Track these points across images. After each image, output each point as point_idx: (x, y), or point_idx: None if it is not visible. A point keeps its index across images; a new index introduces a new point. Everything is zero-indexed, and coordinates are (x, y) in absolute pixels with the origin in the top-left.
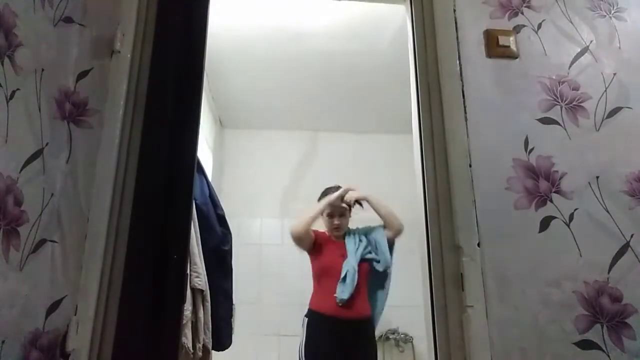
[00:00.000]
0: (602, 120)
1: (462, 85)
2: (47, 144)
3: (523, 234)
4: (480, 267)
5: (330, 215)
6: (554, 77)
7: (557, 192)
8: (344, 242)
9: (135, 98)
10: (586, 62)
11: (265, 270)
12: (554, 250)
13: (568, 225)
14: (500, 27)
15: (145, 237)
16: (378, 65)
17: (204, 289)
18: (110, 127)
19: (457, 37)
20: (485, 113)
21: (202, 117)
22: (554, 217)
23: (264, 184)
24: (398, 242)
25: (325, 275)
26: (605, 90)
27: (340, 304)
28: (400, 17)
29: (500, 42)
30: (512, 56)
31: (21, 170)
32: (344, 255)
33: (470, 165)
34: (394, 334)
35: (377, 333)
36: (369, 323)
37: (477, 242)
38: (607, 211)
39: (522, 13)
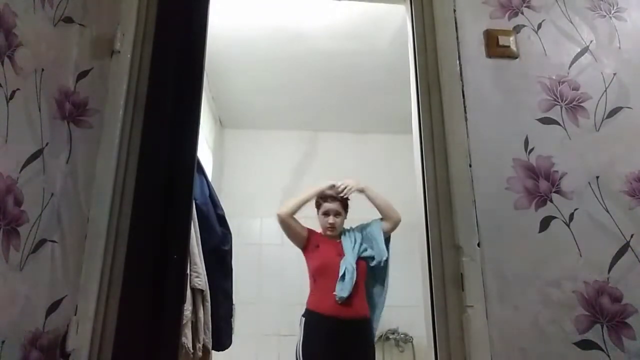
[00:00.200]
0: (602, 120)
1: (462, 85)
2: (47, 144)
3: (523, 234)
4: (480, 267)
5: (326, 214)
6: (554, 77)
7: (557, 192)
8: (341, 242)
9: (135, 98)
10: (586, 62)
11: (265, 270)
12: (554, 250)
13: (568, 225)
14: (500, 27)
15: (145, 237)
16: (378, 65)
17: (204, 289)
18: (110, 127)
19: (457, 37)
20: (485, 113)
21: (202, 117)
22: (554, 217)
23: (264, 184)
24: (398, 242)
25: (322, 275)
26: (605, 90)
27: (339, 302)
28: (400, 17)
29: (500, 42)
30: (512, 56)
31: (21, 170)
32: (340, 254)
33: (470, 165)
34: (394, 334)
35: (377, 333)
36: (367, 323)
37: (477, 242)
38: (607, 211)
39: (522, 13)
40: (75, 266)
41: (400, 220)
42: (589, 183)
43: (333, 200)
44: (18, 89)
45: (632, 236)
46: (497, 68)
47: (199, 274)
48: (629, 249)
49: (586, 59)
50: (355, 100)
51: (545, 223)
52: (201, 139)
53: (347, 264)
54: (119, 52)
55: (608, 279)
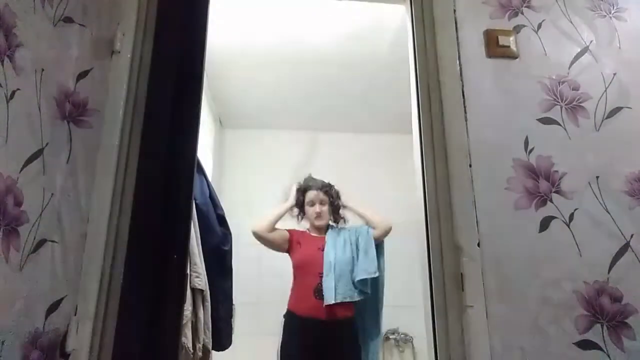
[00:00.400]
0: (602, 120)
1: (462, 85)
2: (47, 144)
3: (523, 234)
4: (480, 267)
5: (311, 204)
6: (554, 77)
7: (557, 192)
8: (325, 237)
9: (135, 98)
10: (586, 62)
11: (265, 270)
12: (554, 250)
13: (568, 225)
14: (500, 27)
15: (145, 237)
16: (378, 65)
17: (204, 289)
18: (110, 127)
19: (457, 37)
20: (485, 113)
21: (202, 117)
22: (554, 217)
23: (264, 184)
24: (398, 242)
25: (301, 272)
26: (605, 90)
27: (325, 304)
28: (400, 17)
29: (500, 42)
30: (512, 56)
31: (21, 170)
32: (322, 248)
33: (470, 165)
34: (394, 334)
35: None
36: (349, 323)
37: (477, 242)
38: (607, 211)
39: (522, 13)
40: (75, 266)
41: (390, 228)
42: (589, 183)
43: (318, 188)
44: (18, 89)
45: (632, 236)
46: (497, 68)
47: (199, 274)
48: (629, 249)
49: (586, 59)
50: (355, 100)
51: (545, 223)
52: (201, 139)
53: (330, 258)
54: (119, 52)
55: (608, 279)
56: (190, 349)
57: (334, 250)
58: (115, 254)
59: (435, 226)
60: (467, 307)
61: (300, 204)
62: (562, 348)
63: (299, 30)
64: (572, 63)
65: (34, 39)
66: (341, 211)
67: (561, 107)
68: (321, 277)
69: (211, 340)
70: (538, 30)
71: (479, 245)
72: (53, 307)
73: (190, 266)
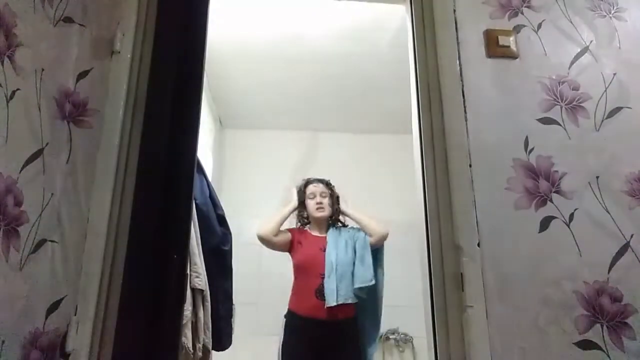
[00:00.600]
0: (602, 120)
1: (462, 85)
2: (47, 144)
3: (523, 234)
4: (480, 267)
5: (312, 196)
6: (554, 77)
7: (557, 192)
8: (326, 236)
9: (135, 98)
10: (586, 62)
11: (265, 270)
12: (554, 250)
13: (568, 225)
14: (500, 27)
15: (145, 237)
16: (378, 65)
17: (204, 289)
18: (110, 127)
19: (457, 37)
20: (485, 113)
21: (202, 117)
22: (554, 217)
23: (264, 184)
24: (398, 242)
25: (302, 273)
26: (605, 90)
27: (326, 306)
28: (400, 17)
29: (500, 42)
30: (512, 56)
31: (21, 170)
32: (323, 249)
33: (470, 165)
34: (394, 334)
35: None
36: (350, 324)
37: (477, 242)
38: (607, 211)
39: (522, 13)
40: (75, 266)
41: (386, 235)
42: (589, 183)
43: (317, 182)
44: (18, 89)
45: (632, 236)
46: (497, 68)
47: (199, 274)
48: (629, 249)
49: (586, 59)
50: (355, 100)
51: (545, 223)
52: (201, 139)
53: (332, 258)
54: (119, 52)
55: (608, 279)
56: (190, 349)
57: (336, 251)
58: (115, 254)
59: (435, 226)
60: (467, 307)
61: (301, 201)
62: (562, 348)
63: (299, 30)
64: (572, 63)
65: (34, 39)
66: (340, 217)
67: (561, 107)
68: (322, 277)
69: (211, 340)
70: (538, 30)
71: (479, 245)
72: (53, 307)
73: (190, 266)
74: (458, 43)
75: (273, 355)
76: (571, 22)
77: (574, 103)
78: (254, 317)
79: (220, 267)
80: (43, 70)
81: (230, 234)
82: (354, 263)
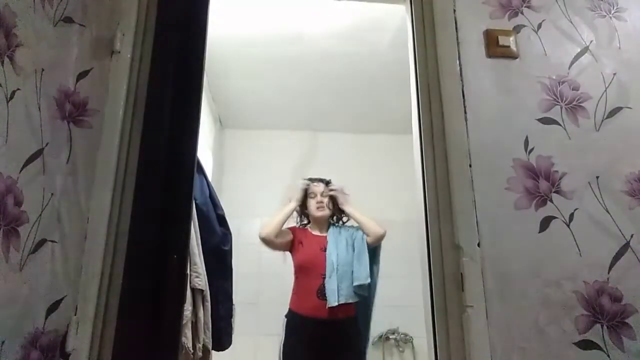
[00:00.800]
0: (602, 120)
1: (462, 85)
2: (47, 144)
3: (523, 234)
4: (480, 267)
5: (313, 195)
6: (554, 77)
7: (557, 192)
8: (326, 236)
9: (135, 98)
10: (586, 62)
11: (265, 270)
12: (554, 250)
13: (568, 225)
14: (500, 27)
15: (145, 237)
16: (378, 65)
17: (204, 289)
18: (110, 127)
19: (457, 37)
20: (485, 113)
21: (202, 117)
22: (554, 217)
23: (264, 184)
24: (398, 242)
25: (303, 273)
26: (605, 90)
27: (328, 307)
28: (400, 17)
29: (500, 42)
30: (512, 56)
31: (21, 170)
32: (324, 249)
33: (470, 165)
34: (394, 334)
35: (377, 333)
36: (351, 322)
37: (477, 242)
38: (607, 211)
39: (522, 13)
40: (75, 266)
41: (383, 235)
42: (589, 183)
43: (318, 182)
44: (18, 89)
45: (632, 236)
46: (497, 68)
47: (199, 274)
48: (629, 249)
49: (586, 59)
50: (355, 100)
51: (545, 223)
52: (201, 139)
53: (333, 258)
54: (119, 52)
55: (608, 279)
56: (190, 349)
57: (336, 251)
58: (115, 254)
59: (435, 226)
60: (467, 307)
61: (302, 201)
62: (562, 348)
63: (299, 30)
64: (572, 63)
65: (34, 39)
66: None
67: (561, 107)
68: (324, 277)
69: (211, 340)
70: (538, 30)
71: (479, 245)
72: (53, 307)
73: (190, 266)
74: (458, 43)
75: (273, 355)
76: (571, 22)
77: (574, 103)
78: (254, 317)
79: (220, 267)
80: (43, 70)
81: (230, 234)
82: (353, 263)
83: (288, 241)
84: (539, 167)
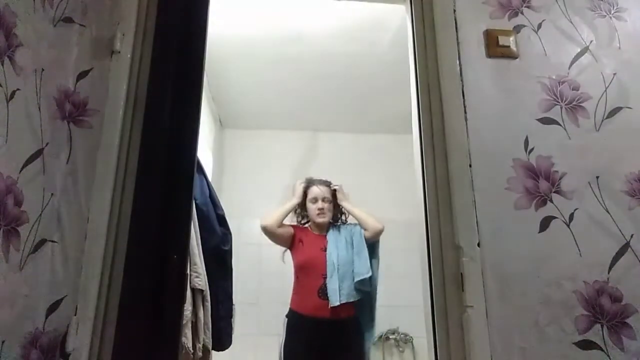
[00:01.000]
0: (602, 120)
1: (462, 85)
2: (47, 144)
3: (523, 234)
4: (480, 267)
5: (314, 200)
6: (554, 77)
7: (557, 192)
8: (326, 236)
9: (135, 98)
10: (586, 62)
11: (265, 270)
12: (554, 251)
13: (568, 225)
14: (500, 27)
15: (145, 237)
16: (378, 65)
17: (204, 289)
18: (110, 127)
19: (457, 37)
20: (485, 113)
21: (202, 117)
22: (554, 217)
23: (264, 184)
24: (398, 242)
25: (304, 272)
26: (605, 90)
27: (330, 306)
28: (400, 17)
29: (500, 42)
30: (512, 56)
31: (21, 170)
32: (324, 249)
33: (470, 165)
34: (394, 334)
35: (377, 333)
36: (352, 322)
37: (477, 242)
38: (607, 211)
39: (522, 13)
40: (75, 266)
41: (381, 230)
42: (589, 183)
43: (321, 185)
44: (18, 89)
45: (632, 236)
46: (497, 68)
47: (199, 274)
48: (629, 249)
49: (586, 59)
50: (355, 100)
51: (545, 223)
52: (201, 139)
53: (333, 258)
54: (119, 52)
55: (608, 279)
56: (190, 349)
57: (337, 251)
58: (115, 254)
59: (435, 226)
60: (467, 307)
61: (303, 202)
62: (562, 348)
63: (299, 30)
64: (572, 63)
65: (34, 39)
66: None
67: (561, 107)
68: (325, 278)
69: (211, 340)
70: (538, 30)
71: (479, 245)
72: (53, 307)
73: (190, 266)
74: (458, 43)
75: (273, 355)
76: (571, 22)
77: (574, 103)
78: (254, 317)
79: (220, 267)
80: (43, 70)
81: (230, 234)
82: (353, 261)
83: (289, 235)
84: (539, 167)
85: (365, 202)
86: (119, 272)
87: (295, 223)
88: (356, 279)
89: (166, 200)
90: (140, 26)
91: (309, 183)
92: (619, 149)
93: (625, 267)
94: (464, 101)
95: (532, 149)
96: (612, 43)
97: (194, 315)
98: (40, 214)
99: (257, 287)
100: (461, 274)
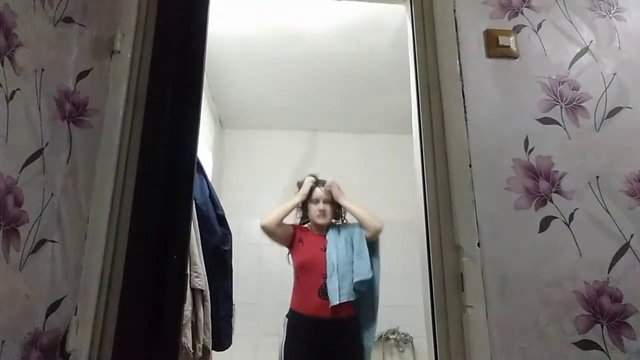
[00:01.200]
0: (602, 120)
1: (462, 85)
2: (47, 144)
3: (523, 234)
4: (480, 267)
5: (316, 201)
6: (554, 77)
7: (557, 192)
8: (326, 236)
9: (135, 98)
10: (586, 62)
11: (265, 270)
12: (554, 250)
13: (568, 225)
14: (500, 27)
15: (145, 237)
16: (378, 65)
17: (204, 289)
18: (110, 127)
19: (457, 37)
20: (485, 113)
21: (202, 117)
22: (554, 217)
23: (264, 184)
24: (398, 242)
25: (304, 272)
26: (605, 90)
27: (330, 305)
28: (400, 17)
29: (500, 42)
30: (512, 56)
31: (21, 170)
32: (323, 249)
33: (470, 165)
34: (394, 334)
35: (377, 333)
36: (352, 322)
37: (477, 242)
38: (607, 211)
39: (522, 13)
40: (75, 266)
41: (380, 229)
42: (589, 183)
43: (322, 186)
44: (18, 89)
45: (632, 236)
46: (497, 68)
47: (199, 274)
48: (629, 249)
49: (586, 59)
50: (355, 100)
51: (545, 223)
52: (201, 139)
53: (333, 258)
54: (119, 52)
55: (608, 279)
56: (190, 349)
57: (336, 251)
58: (115, 254)
59: (435, 226)
60: (467, 307)
61: (304, 201)
62: (562, 348)
63: (299, 30)
64: (572, 63)
65: (34, 39)
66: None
67: (561, 107)
68: (325, 277)
69: (211, 340)
70: (538, 30)
71: (479, 245)
72: (53, 307)
73: (190, 266)
74: (458, 43)
75: (273, 355)
76: (571, 22)
77: (574, 103)
78: (254, 317)
79: (220, 267)
80: (43, 70)
81: (230, 234)
82: (353, 261)
83: (289, 235)
84: (539, 167)
85: (365, 202)
86: (119, 272)
87: (296, 221)
88: (356, 279)
89: (166, 200)
90: (140, 26)
91: (316, 183)
92: (619, 149)
93: (625, 267)
94: (464, 101)
95: (532, 149)
96: (612, 43)
97: (194, 315)
98: (40, 214)
99: (257, 287)
100: (461, 274)
